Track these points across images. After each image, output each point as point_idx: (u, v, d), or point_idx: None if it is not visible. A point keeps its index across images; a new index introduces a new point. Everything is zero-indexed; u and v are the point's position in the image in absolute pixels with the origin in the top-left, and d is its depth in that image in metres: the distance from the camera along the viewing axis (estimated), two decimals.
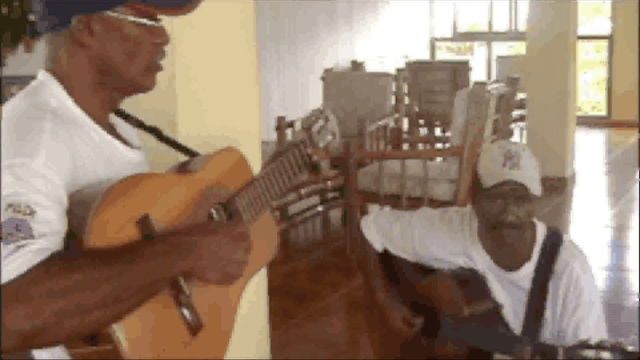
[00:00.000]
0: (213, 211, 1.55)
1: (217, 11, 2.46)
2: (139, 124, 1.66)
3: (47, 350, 1.39)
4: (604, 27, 11.33)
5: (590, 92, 12.22)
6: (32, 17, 3.39)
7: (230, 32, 2.54)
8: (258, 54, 2.68)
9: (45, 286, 1.18)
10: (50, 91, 1.43)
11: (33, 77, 1.49)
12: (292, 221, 5.75)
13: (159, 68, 1.52)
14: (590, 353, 2.05)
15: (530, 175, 2.19)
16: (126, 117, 1.64)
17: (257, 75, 2.68)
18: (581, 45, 10.53)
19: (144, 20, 1.45)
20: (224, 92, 2.52)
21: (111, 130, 1.54)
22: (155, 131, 1.70)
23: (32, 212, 1.24)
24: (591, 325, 2.23)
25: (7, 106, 1.40)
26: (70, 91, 1.45)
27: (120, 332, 1.28)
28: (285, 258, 5.44)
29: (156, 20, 1.48)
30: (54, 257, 1.23)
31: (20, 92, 1.45)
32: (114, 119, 1.59)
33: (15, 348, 1.19)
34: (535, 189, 2.19)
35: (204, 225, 1.45)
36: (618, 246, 5.63)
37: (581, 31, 10.05)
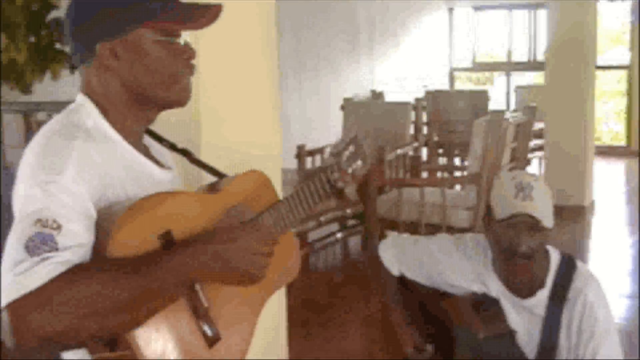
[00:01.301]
0: None
1: (240, 32, 2.50)
2: (171, 146, 1.72)
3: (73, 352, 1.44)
4: (624, 57, 11.32)
5: (610, 122, 12.20)
6: (59, 46, 3.47)
7: (252, 53, 2.57)
8: (279, 76, 2.72)
9: (66, 294, 1.24)
10: (87, 112, 1.50)
11: (59, 104, 1.57)
12: (311, 248, 5.78)
13: (188, 82, 1.57)
14: None
15: (542, 207, 2.19)
16: (160, 139, 1.70)
17: (279, 97, 2.72)
18: (602, 76, 10.53)
19: (164, 38, 1.51)
20: (246, 114, 2.55)
21: (145, 151, 1.60)
22: (186, 153, 1.76)
23: (58, 227, 1.30)
24: (607, 354, 2.23)
25: (46, 126, 1.47)
26: (105, 112, 1.51)
27: (139, 339, 1.33)
28: (305, 284, 5.46)
29: (175, 36, 1.54)
30: (76, 266, 1.28)
31: (60, 113, 1.52)
32: (148, 140, 1.65)
33: (35, 348, 1.25)
34: (548, 220, 2.20)
35: (223, 232, 1.46)
36: (638, 275, 5.60)
37: (601, 61, 10.06)
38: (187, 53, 1.55)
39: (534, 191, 2.19)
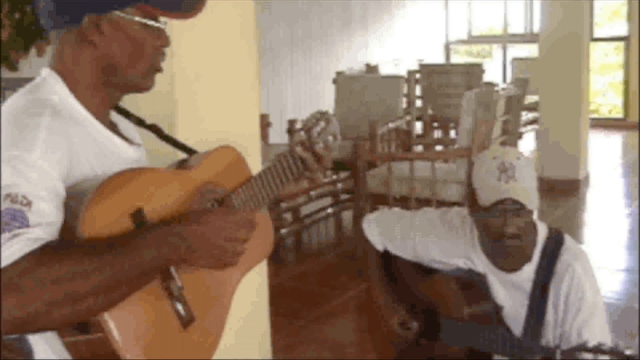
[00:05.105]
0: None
1: (217, 14, 2.46)
2: (139, 122, 1.70)
3: (44, 342, 1.42)
4: (623, 29, 11.24)
5: (607, 94, 12.13)
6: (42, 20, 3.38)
7: (229, 35, 2.54)
8: (259, 55, 2.68)
9: (37, 275, 1.20)
10: (52, 87, 1.46)
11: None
12: (303, 223, 5.76)
13: (159, 69, 1.56)
14: (588, 356, 2.02)
15: (527, 187, 2.14)
16: (127, 115, 1.68)
17: (258, 77, 2.68)
18: (599, 48, 10.45)
19: (151, 22, 1.50)
20: (223, 94, 2.52)
21: (112, 127, 1.57)
22: (155, 129, 1.73)
23: (28, 203, 1.26)
24: (595, 329, 2.21)
25: (9, 101, 1.43)
26: (73, 88, 1.48)
27: (111, 321, 1.30)
28: (297, 260, 5.44)
29: (161, 22, 1.53)
30: (47, 246, 1.25)
31: (23, 88, 1.48)
32: (115, 116, 1.62)
33: (6, 334, 1.21)
34: (532, 203, 2.15)
35: (199, 214, 1.44)
36: (633, 248, 5.57)
37: (599, 34, 9.95)
38: (165, 41, 1.55)
39: (517, 171, 2.14)
